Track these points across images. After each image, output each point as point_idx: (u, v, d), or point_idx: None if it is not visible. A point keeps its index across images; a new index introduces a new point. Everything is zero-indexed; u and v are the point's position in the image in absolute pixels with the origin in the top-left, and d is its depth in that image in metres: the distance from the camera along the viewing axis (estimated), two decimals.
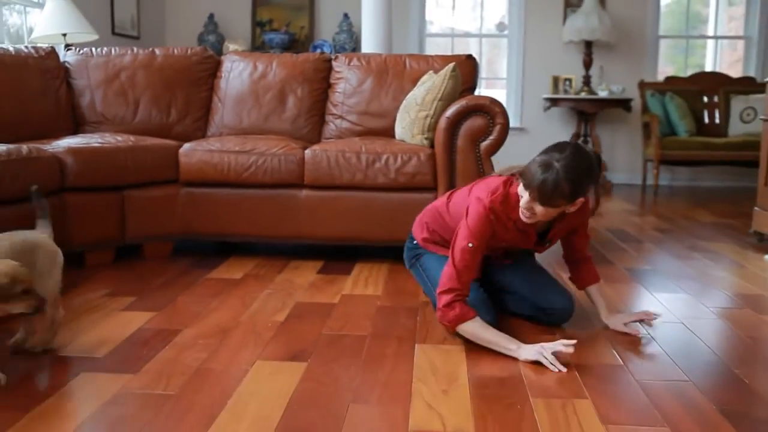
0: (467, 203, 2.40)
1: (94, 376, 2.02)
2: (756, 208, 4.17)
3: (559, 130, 7.31)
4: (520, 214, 2.26)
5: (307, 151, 3.48)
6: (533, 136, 7.32)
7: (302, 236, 3.49)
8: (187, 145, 3.56)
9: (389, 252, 3.56)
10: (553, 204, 2.17)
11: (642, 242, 4.18)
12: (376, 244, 3.49)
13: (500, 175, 2.45)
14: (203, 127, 4.09)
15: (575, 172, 2.12)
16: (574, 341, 2.18)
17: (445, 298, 2.27)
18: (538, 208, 2.19)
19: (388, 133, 3.87)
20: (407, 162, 3.36)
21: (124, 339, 2.35)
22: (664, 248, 4.02)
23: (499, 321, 2.46)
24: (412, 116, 3.52)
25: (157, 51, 4.15)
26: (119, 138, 3.52)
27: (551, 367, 2.13)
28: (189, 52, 4.18)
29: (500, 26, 7.54)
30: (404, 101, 3.69)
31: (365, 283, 3.13)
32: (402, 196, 3.39)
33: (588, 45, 6.91)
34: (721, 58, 7.68)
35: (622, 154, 7.36)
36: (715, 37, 7.63)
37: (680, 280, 3.29)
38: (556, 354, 2.16)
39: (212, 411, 1.82)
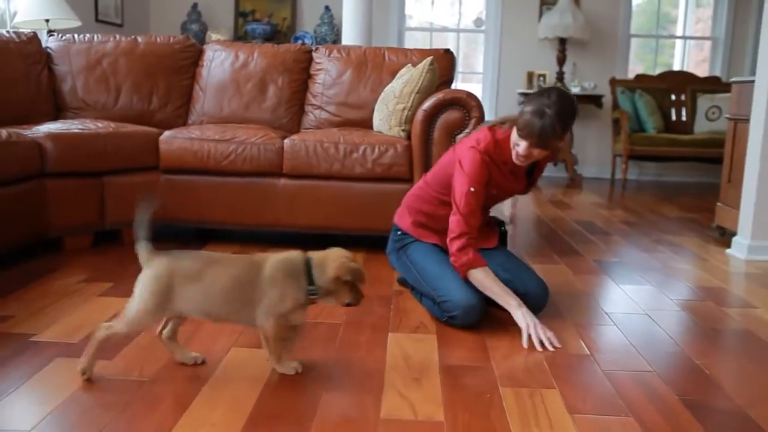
0: (453, 163, 2.46)
1: (68, 362, 1.98)
2: (719, 203, 4.19)
3: None
4: (515, 159, 2.38)
5: (286, 141, 3.43)
6: None
7: (280, 224, 3.45)
8: (167, 133, 3.50)
9: (365, 241, 3.53)
10: (549, 146, 2.33)
11: (610, 235, 4.19)
12: (353, 233, 3.46)
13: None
14: (184, 115, 4.02)
15: (565, 114, 2.28)
16: (559, 346, 2.23)
17: (457, 243, 2.36)
18: (536, 152, 2.34)
19: (366, 124, 3.83)
20: (384, 153, 3.33)
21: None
22: (630, 241, 4.03)
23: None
24: (390, 108, 3.49)
25: (139, 39, 4.07)
26: (100, 124, 3.44)
27: (523, 341, 2.24)
28: (171, 40, 4.10)
29: (477, 22, 7.51)
30: (382, 93, 3.66)
31: None
32: (378, 187, 3.36)
33: (562, 42, 6.91)
34: (689, 57, 7.73)
35: (593, 149, 7.39)
36: (684, 38, 7.67)
37: (645, 272, 3.30)
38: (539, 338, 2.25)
39: (186, 397, 1.78)
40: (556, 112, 2.25)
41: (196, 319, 2.36)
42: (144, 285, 1.83)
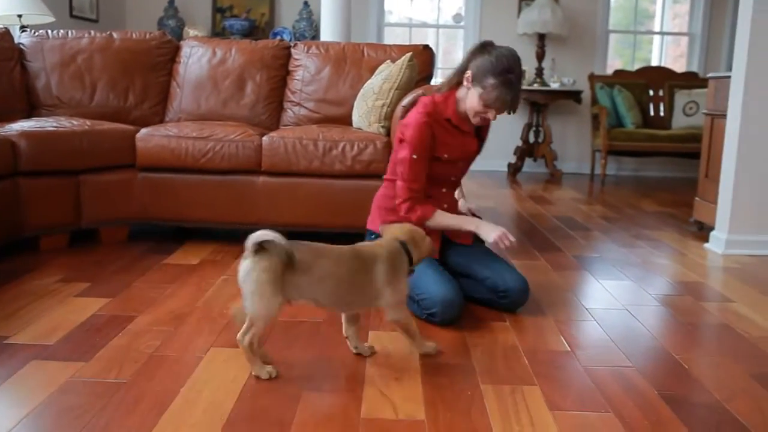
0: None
1: (44, 364, 1.95)
2: (697, 198, 4.24)
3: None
4: (477, 122, 2.49)
5: (264, 138, 3.41)
6: None
7: (259, 222, 3.43)
8: (144, 130, 3.47)
9: (345, 238, 3.50)
10: (515, 110, 2.46)
11: (589, 230, 4.22)
12: (333, 230, 3.45)
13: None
14: (161, 113, 3.98)
15: (522, 76, 2.44)
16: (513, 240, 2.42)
17: (404, 207, 2.49)
18: (496, 116, 2.44)
19: (346, 120, 3.82)
20: (363, 150, 3.32)
21: (77, 326, 2.27)
22: (610, 236, 4.06)
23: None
24: (369, 105, 3.48)
25: (114, 35, 4.02)
26: (75, 122, 3.40)
27: (498, 243, 2.40)
28: (147, 36, 4.06)
29: (457, 17, 7.51)
30: (362, 90, 3.65)
31: None
32: (358, 183, 3.36)
33: (541, 38, 6.94)
34: (666, 52, 7.79)
35: (572, 144, 7.43)
36: (661, 33, 7.73)
37: (625, 267, 3.32)
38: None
39: (165, 399, 1.76)
40: (518, 78, 2.39)
41: (172, 321, 2.35)
42: (256, 278, 1.84)
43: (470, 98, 2.45)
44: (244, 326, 1.89)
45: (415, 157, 2.45)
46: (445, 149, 2.53)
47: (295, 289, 1.88)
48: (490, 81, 2.36)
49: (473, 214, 2.71)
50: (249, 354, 1.90)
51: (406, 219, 2.47)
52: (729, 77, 3.76)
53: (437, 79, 7.04)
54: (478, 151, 2.67)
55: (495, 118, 2.47)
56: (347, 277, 1.93)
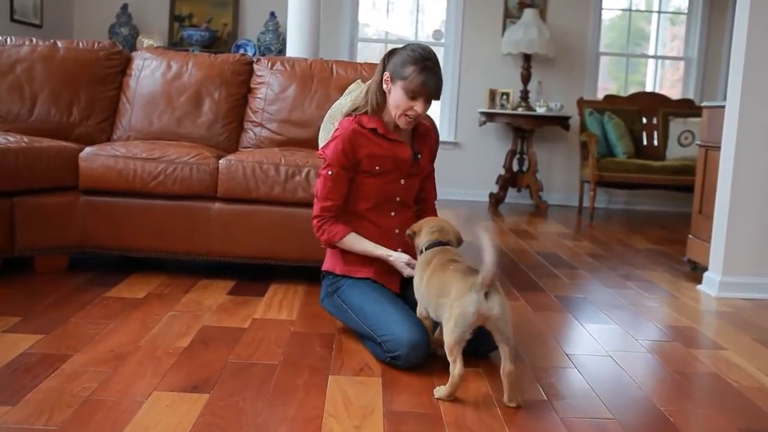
0: None
1: None
2: (690, 236, 4.33)
3: (495, 146, 7.44)
4: (405, 124, 2.61)
5: (221, 161, 3.43)
6: (468, 151, 7.43)
7: (213, 253, 3.44)
8: (88, 149, 3.47)
9: (306, 273, 3.54)
10: (440, 96, 2.60)
11: (575, 268, 4.28)
12: (293, 263, 3.47)
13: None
14: (108, 130, 3.99)
15: (437, 60, 2.59)
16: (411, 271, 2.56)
17: (315, 224, 2.67)
18: (425, 108, 2.58)
19: (311, 144, 3.85)
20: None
21: (4, 365, 2.25)
22: (597, 276, 4.12)
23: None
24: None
25: (59, 43, 4.03)
26: (11, 138, 3.40)
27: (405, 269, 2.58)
28: (96, 46, 4.08)
29: (436, 34, 7.64)
30: (329, 110, 3.69)
31: (279, 306, 3.11)
32: None
33: (527, 58, 7.07)
34: (663, 75, 7.98)
35: (559, 174, 7.54)
36: (655, 57, 7.92)
37: (611, 310, 3.38)
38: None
39: None
40: (436, 63, 2.55)
41: (112, 361, 2.34)
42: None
43: (393, 96, 2.58)
44: (510, 355, 2.12)
45: (330, 173, 2.62)
46: (374, 161, 2.63)
47: None
48: (410, 68, 2.51)
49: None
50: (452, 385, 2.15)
51: (317, 237, 2.68)
52: (723, 107, 3.87)
53: None
54: (417, 161, 2.74)
55: (424, 111, 2.57)
56: None
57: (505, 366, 2.13)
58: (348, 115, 2.71)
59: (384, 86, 2.62)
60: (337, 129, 2.68)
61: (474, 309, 2.11)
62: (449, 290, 2.21)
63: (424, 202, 2.89)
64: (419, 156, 2.75)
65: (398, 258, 2.60)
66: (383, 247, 2.63)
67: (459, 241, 2.56)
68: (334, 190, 2.63)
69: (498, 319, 2.12)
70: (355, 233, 2.63)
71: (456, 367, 2.13)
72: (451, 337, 2.14)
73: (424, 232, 2.51)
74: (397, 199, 2.73)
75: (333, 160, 2.61)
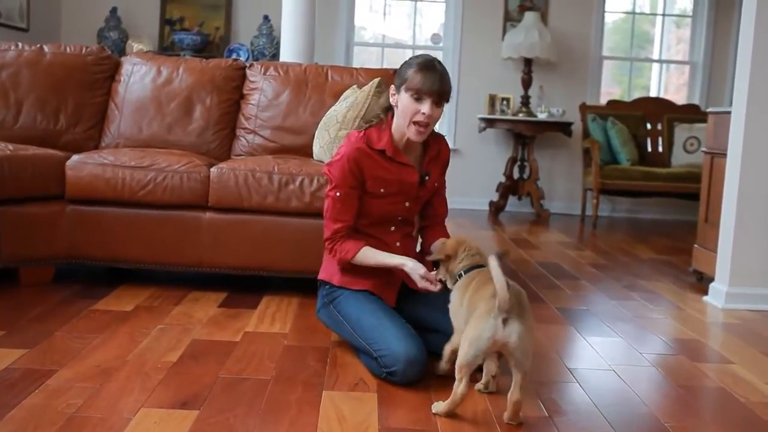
0: None
1: None
2: (696, 245, 4.33)
3: (495, 153, 7.45)
4: (416, 134, 2.55)
5: (213, 169, 3.43)
6: (467, 158, 7.43)
7: (204, 264, 3.44)
8: (75, 157, 3.47)
9: (300, 284, 3.54)
10: (448, 98, 2.56)
11: (578, 279, 4.28)
12: (287, 275, 3.47)
13: None
14: (96, 137, 3.99)
15: (447, 74, 2.57)
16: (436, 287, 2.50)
17: (327, 246, 2.66)
18: (435, 112, 2.52)
19: (305, 151, 3.86)
20: (324, 185, 3.34)
21: None
22: (600, 287, 4.12)
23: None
24: (332, 135, 3.52)
25: (46, 48, 4.04)
26: None
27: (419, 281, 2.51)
28: (83, 50, 4.08)
29: (435, 38, 7.66)
30: (324, 117, 3.69)
31: (272, 319, 3.10)
32: (317, 223, 3.34)
33: (527, 63, 7.09)
34: (668, 79, 8.00)
35: (561, 182, 7.55)
36: (660, 61, 7.94)
37: (615, 322, 3.37)
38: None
39: None
40: (441, 66, 2.54)
41: (98, 376, 2.33)
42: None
43: (401, 105, 2.55)
44: (521, 383, 2.09)
45: (338, 194, 2.60)
46: (379, 183, 2.61)
47: None
48: (411, 71, 2.51)
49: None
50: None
51: (333, 258, 2.66)
52: (729, 112, 3.87)
53: None
54: (424, 184, 2.72)
55: (433, 114, 2.51)
56: None
57: (514, 394, 2.10)
58: (359, 128, 2.68)
59: (391, 101, 2.61)
60: (343, 144, 2.65)
61: (489, 334, 2.07)
62: (475, 308, 2.16)
63: (432, 218, 2.85)
64: (427, 178, 2.73)
65: (414, 269, 2.53)
66: (397, 256, 2.60)
67: None
68: (344, 211, 2.61)
69: (515, 348, 2.07)
70: (367, 246, 2.60)
71: (460, 386, 2.11)
72: (464, 357, 2.11)
73: (461, 256, 2.42)
74: (399, 218, 2.73)
75: (340, 181, 2.58)
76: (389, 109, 2.65)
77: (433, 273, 2.51)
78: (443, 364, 2.41)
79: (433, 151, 2.76)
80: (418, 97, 2.50)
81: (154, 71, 4.06)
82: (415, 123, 2.53)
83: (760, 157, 3.72)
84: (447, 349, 2.36)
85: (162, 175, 3.40)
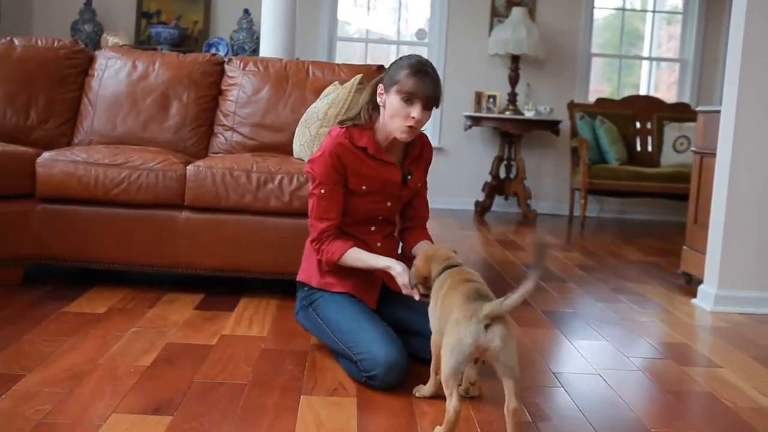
0: None
1: None
2: (685, 246, 4.35)
3: (481, 151, 7.46)
4: (403, 134, 2.54)
5: (189, 167, 3.42)
6: (452, 157, 7.44)
7: (180, 265, 3.42)
8: (46, 154, 3.45)
9: (279, 286, 3.53)
10: (438, 103, 2.58)
11: (564, 281, 4.29)
12: (265, 276, 3.46)
13: None
14: (69, 134, 3.97)
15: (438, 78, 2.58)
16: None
17: (314, 247, 2.63)
18: (425, 117, 2.53)
19: (285, 149, 3.85)
20: (304, 184, 3.35)
21: None
22: (587, 289, 4.13)
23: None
24: (313, 132, 3.52)
25: (16, 41, 4.01)
26: None
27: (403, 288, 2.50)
28: (56, 44, 4.06)
29: (420, 33, 7.67)
30: (304, 114, 3.69)
31: (249, 321, 3.09)
32: (297, 223, 3.37)
33: (515, 59, 7.11)
34: (659, 77, 8.04)
35: (549, 182, 7.57)
36: (650, 59, 7.98)
37: (602, 325, 3.39)
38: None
39: None
40: (433, 69, 2.55)
41: (68, 381, 2.32)
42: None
43: (389, 106, 2.54)
44: (515, 390, 2.01)
45: (322, 191, 2.58)
46: (361, 181, 2.61)
47: None
48: (404, 72, 2.50)
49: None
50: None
51: (319, 260, 2.64)
52: (719, 111, 3.90)
53: None
54: (406, 184, 2.72)
55: (422, 117, 2.51)
56: None
57: (510, 403, 2.00)
58: (341, 123, 2.66)
59: (378, 100, 2.59)
60: (325, 140, 2.64)
61: (471, 340, 2.00)
62: (451, 313, 2.10)
63: (413, 220, 2.84)
64: (409, 177, 2.73)
65: (400, 275, 2.49)
66: (385, 258, 2.58)
67: None
68: (329, 208, 2.59)
69: (499, 351, 2.00)
70: (355, 247, 2.58)
71: (452, 401, 2.01)
72: (446, 367, 2.04)
73: (434, 268, 2.36)
74: (380, 217, 2.73)
75: (323, 177, 2.57)
76: (373, 107, 2.63)
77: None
78: (426, 389, 2.38)
79: (416, 150, 2.76)
80: (409, 100, 2.49)
81: (129, 66, 4.04)
82: (404, 125, 2.53)
83: (750, 157, 3.75)
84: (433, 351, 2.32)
85: (136, 173, 3.38)
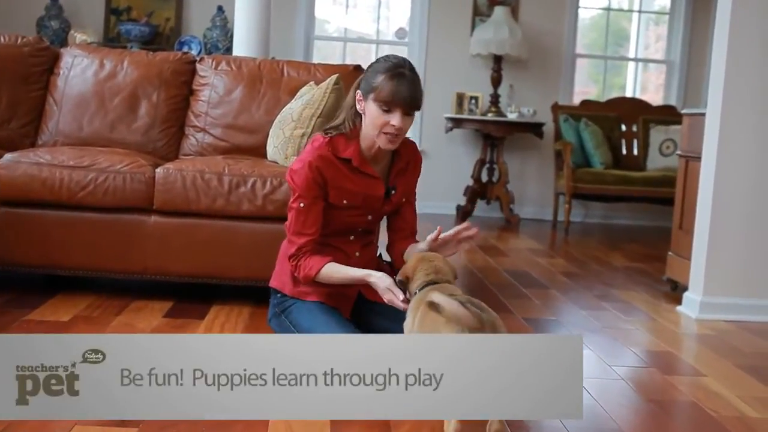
0: None
1: None
2: (670, 252, 4.39)
3: (462, 154, 7.49)
4: (387, 143, 2.54)
5: (158, 170, 3.41)
6: (433, 160, 7.43)
7: (148, 271, 3.41)
8: (9, 156, 3.42)
9: (251, 293, 3.52)
10: (419, 106, 2.56)
11: (547, 288, 4.32)
12: (237, 282, 3.46)
13: None
14: (33, 134, 3.95)
15: (414, 69, 2.59)
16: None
17: (292, 264, 2.62)
18: (406, 123, 2.52)
19: (259, 151, 3.84)
20: (278, 188, 3.35)
21: None
22: (570, 296, 4.16)
23: None
24: (287, 134, 3.52)
25: None
26: None
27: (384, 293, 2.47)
28: (19, 41, 4.04)
29: (400, 32, 7.69)
30: (279, 116, 3.69)
31: (221, 329, 3.09)
32: (270, 228, 3.37)
33: (497, 60, 7.14)
34: (646, 79, 8.10)
35: (532, 186, 7.61)
36: (635, 60, 8.05)
37: (585, 334, 3.40)
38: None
39: None
40: (409, 68, 2.54)
41: None
42: None
43: (368, 114, 2.53)
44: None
45: (302, 205, 2.58)
46: (341, 195, 2.60)
47: None
48: (380, 78, 2.49)
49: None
50: None
51: (297, 276, 2.63)
52: (704, 114, 3.93)
53: None
54: (389, 198, 2.72)
55: (402, 125, 2.51)
56: None
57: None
58: (326, 132, 2.64)
59: (358, 107, 2.59)
60: (305, 149, 2.63)
61: None
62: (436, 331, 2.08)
63: (402, 231, 2.83)
64: (393, 192, 2.73)
65: (379, 281, 2.50)
66: (361, 269, 2.57)
67: (455, 278, 2.46)
68: (308, 223, 2.59)
69: None
70: (331, 263, 2.57)
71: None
72: None
73: (419, 276, 2.37)
74: (360, 228, 2.74)
75: (304, 191, 2.57)
76: (356, 113, 2.62)
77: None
78: None
79: (402, 162, 2.75)
80: (388, 108, 2.48)
81: (96, 64, 4.03)
82: (385, 133, 2.52)
83: (736, 161, 3.79)
84: None
85: (103, 176, 3.37)
